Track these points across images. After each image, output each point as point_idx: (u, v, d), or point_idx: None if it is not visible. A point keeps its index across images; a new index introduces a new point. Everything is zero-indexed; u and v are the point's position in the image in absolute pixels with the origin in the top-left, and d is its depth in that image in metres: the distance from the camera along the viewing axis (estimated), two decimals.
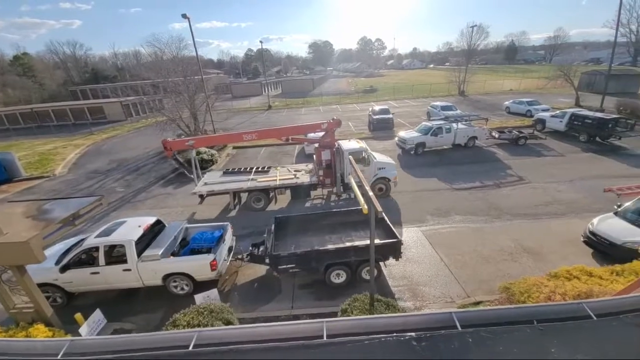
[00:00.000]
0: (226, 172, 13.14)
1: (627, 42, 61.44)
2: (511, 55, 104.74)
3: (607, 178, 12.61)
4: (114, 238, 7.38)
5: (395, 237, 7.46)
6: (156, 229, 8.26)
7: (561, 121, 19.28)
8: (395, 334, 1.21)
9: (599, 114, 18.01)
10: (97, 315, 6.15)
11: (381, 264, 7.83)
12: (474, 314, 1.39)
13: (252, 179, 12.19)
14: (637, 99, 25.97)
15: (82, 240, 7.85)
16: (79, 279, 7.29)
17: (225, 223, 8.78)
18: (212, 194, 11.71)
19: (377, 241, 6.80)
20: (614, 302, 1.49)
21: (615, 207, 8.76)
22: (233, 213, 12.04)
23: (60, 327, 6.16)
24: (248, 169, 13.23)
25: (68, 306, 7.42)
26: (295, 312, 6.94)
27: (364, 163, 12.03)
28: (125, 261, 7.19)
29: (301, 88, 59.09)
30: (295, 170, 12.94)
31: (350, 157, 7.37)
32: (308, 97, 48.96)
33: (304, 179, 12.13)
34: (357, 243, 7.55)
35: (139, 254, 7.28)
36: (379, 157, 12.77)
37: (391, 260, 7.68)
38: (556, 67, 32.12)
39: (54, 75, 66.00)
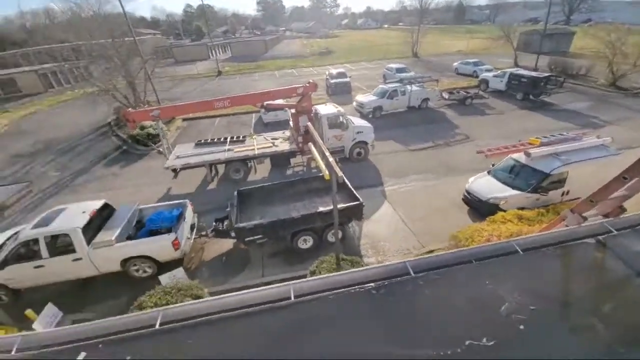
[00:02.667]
0: (198, 144, 12.36)
1: (562, 1, 65.60)
2: (460, 15, 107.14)
3: (539, 132, 14.20)
4: (55, 227, 6.68)
5: (357, 199, 7.80)
6: (105, 213, 7.61)
7: (502, 81, 20.78)
8: (357, 287, 1.31)
9: (533, 73, 19.68)
10: (50, 309, 5.72)
11: (347, 225, 8.23)
12: (425, 261, 1.55)
13: (229, 150, 11.61)
14: (568, 57, 28.66)
15: (17, 232, 6.99)
16: (22, 275, 6.63)
17: (184, 200, 8.38)
18: (187, 167, 11.02)
19: (340, 205, 7.07)
20: (537, 238, 1.75)
21: (491, 166, 9.53)
22: (213, 185, 11.58)
23: (9, 325, 5.67)
24: (222, 139, 12.54)
25: (16, 304, 6.77)
26: (266, 280, 7.16)
27: (342, 127, 11.98)
28: (73, 250, 6.62)
29: (253, 51, 54.82)
30: (272, 139, 12.50)
31: (309, 123, 7.28)
32: (261, 60, 45.88)
33: (283, 146, 11.81)
34: (321, 209, 7.77)
35: (89, 241, 6.73)
36: (357, 121, 12.78)
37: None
38: (498, 27, 33.69)
39: None
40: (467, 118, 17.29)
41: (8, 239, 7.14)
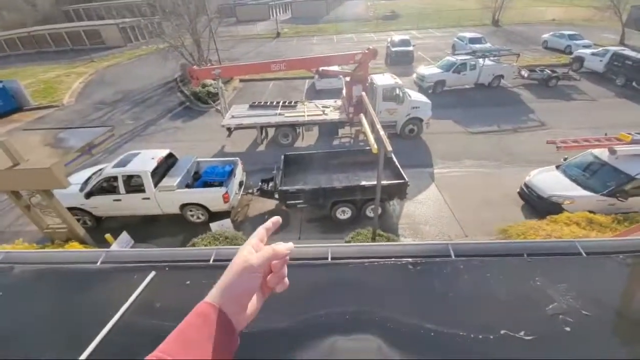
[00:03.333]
0: (252, 106, 12.78)
1: None
2: None
3: (635, 127, 11.85)
4: (130, 168, 7.72)
5: (402, 178, 7.56)
6: (169, 161, 8.54)
7: (601, 60, 17.27)
8: (393, 259, 1.32)
9: None
10: (125, 236, 6.83)
11: (388, 202, 8.12)
12: (469, 246, 1.49)
13: (280, 114, 11.87)
14: None
15: (101, 169, 8.25)
16: (104, 205, 7.91)
17: (235, 158, 8.96)
18: (240, 127, 11.63)
19: (383, 182, 6.94)
20: (608, 243, 1.55)
21: (562, 160, 8.33)
22: (262, 148, 12.15)
23: (93, 245, 6.95)
24: (275, 103, 12.81)
25: (98, 229, 8.20)
26: (302, 242, 7.56)
27: (398, 101, 11.39)
28: (143, 190, 7.65)
29: (314, 12, 52.82)
30: (323, 107, 12.42)
31: (363, 93, 7.02)
32: (321, 23, 44.25)
33: (333, 115, 11.72)
34: (364, 182, 7.72)
35: (155, 184, 7.69)
36: (414, 96, 12.04)
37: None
38: None
39: None
40: (547, 102, 15.01)
41: (94, 173, 8.47)
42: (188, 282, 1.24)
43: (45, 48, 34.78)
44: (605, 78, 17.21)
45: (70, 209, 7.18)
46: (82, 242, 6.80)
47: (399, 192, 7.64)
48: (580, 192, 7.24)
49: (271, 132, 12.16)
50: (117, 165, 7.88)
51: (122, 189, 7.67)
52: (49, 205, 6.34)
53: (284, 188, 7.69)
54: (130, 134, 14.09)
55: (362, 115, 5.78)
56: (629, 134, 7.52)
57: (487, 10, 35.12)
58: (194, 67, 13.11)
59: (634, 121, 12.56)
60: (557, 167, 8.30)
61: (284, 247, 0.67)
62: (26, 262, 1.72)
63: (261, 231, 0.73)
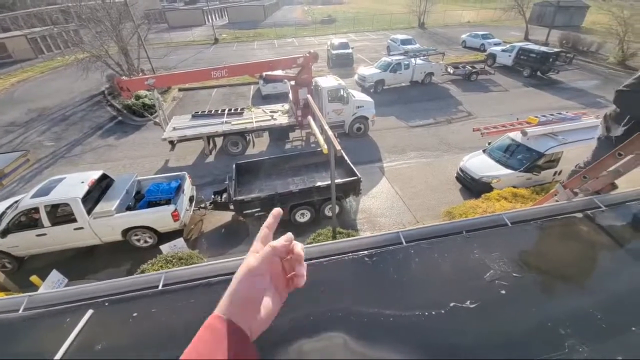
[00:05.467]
0: (195, 115, 12.04)
1: None
2: None
3: (542, 110, 14.01)
4: (55, 197, 6.73)
5: (355, 175, 7.84)
6: (103, 183, 7.64)
7: (510, 56, 20.07)
8: (350, 254, 1.36)
9: (543, 48, 18.97)
10: (55, 275, 5.92)
11: (344, 200, 8.35)
12: (417, 231, 1.61)
13: (226, 122, 11.39)
14: (580, 32, 27.48)
15: (17, 201, 7.05)
16: (25, 242, 6.77)
17: (182, 173, 8.39)
18: (184, 139, 10.86)
19: (337, 180, 7.12)
20: (527, 212, 1.80)
21: (487, 144, 9.51)
22: (211, 159, 11.51)
23: (17, 291, 5.90)
24: (220, 111, 12.26)
25: (20, 271, 7.00)
26: None
27: (343, 101, 11.70)
28: (74, 220, 6.73)
29: (251, 17, 52.08)
30: (271, 112, 12.21)
31: (308, 95, 7.12)
32: (260, 28, 43.77)
33: (282, 120, 11.59)
34: (319, 183, 7.83)
35: (89, 211, 6.82)
36: (358, 95, 12.48)
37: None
38: None
39: None
40: (471, 95, 16.94)
41: (8, 207, 7.21)
42: (135, 314, 1.12)
43: None
44: (514, 70, 20.03)
45: None
46: (3, 289, 5.73)
47: (354, 188, 7.92)
48: (503, 171, 8.29)
49: (219, 141, 11.68)
50: (36, 195, 6.80)
51: (45, 221, 6.64)
52: None
53: (239, 198, 7.43)
54: (51, 157, 12.28)
55: (310, 118, 5.85)
56: (536, 117, 8.86)
57: (414, 14, 38.53)
58: (123, 77, 11.94)
59: (540, 106, 14.84)
60: (484, 151, 9.38)
61: (282, 240, 0.63)
62: None
63: (263, 231, 0.68)
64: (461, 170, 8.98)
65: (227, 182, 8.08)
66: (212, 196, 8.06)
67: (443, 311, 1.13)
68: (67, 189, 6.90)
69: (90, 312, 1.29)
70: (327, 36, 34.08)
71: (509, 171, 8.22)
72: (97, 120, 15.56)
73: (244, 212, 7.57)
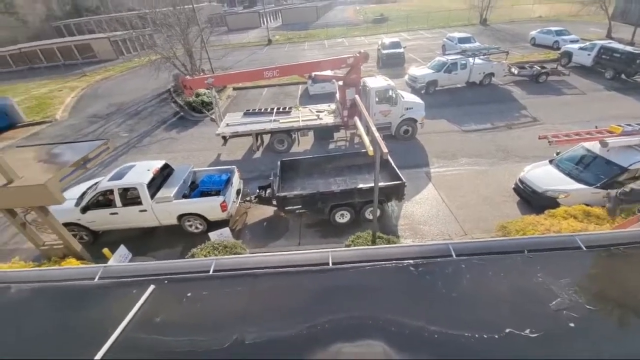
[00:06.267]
0: (247, 113, 12.83)
1: None
2: None
3: (625, 119, 12.04)
4: (126, 181, 7.67)
5: (400, 179, 7.58)
6: (165, 172, 8.50)
7: (589, 54, 17.57)
8: (394, 262, 1.31)
9: (629, 48, 16.27)
10: (122, 250, 6.75)
11: (386, 204, 8.13)
12: (469, 245, 1.49)
13: (275, 120, 11.92)
14: None
15: (97, 183, 8.18)
16: (100, 219, 7.82)
17: (232, 167, 8.94)
18: (235, 135, 11.65)
19: (381, 183, 6.95)
20: (606, 235, 1.56)
21: (555, 154, 8.39)
22: (258, 155, 12.14)
23: (90, 260, 6.85)
24: (269, 110, 12.90)
25: (95, 244, 8.10)
26: (303, 248, 7.52)
27: (391, 102, 11.47)
28: (140, 203, 7.59)
29: (304, 18, 53.39)
30: (317, 111, 12.49)
31: (356, 96, 7.06)
32: (311, 29, 44.65)
33: (328, 119, 11.79)
34: (361, 185, 7.73)
35: (152, 196, 7.64)
36: (407, 97, 12.14)
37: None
38: None
39: (36, 9, 60.24)
40: (538, 98, 15.21)
41: (89, 188, 8.39)
42: (189, 294, 1.23)
43: (37, 64, 34.71)
44: (594, 71, 17.49)
45: (66, 224, 7.10)
46: (80, 258, 6.71)
47: (397, 193, 7.66)
48: (574, 185, 7.29)
49: (266, 138, 12.19)
50: (112, 179, 7.81)
51: (118, 202, 7.60)
52: (45, 222, 6.27)
53: (282, 194, 7.67)
54: (125, 147, 14.02)
55: (356, 118, 5.80)
56: (620, 125, 7.61)
57: (475, 10, 35.78)
58: (187, 77, 13.13)
59: (623, 113, 12.76)
60: (551, 161, 8.36)
61: None
62: (23, 281, 1.69)
63: None
64: (521, 181, 8.12)
65: (271, 178, 8.40)
66: (257, 190, 8.44)
67: (497, 336, 1.02)
68: (136, 175, 7.82)
69: (152, 287, 1.44)
70: (379, 35, 33.40)
71: (581, 186, 7.21)
72: (163, 115, 17.35)
73: (286, 208, 7.79)
